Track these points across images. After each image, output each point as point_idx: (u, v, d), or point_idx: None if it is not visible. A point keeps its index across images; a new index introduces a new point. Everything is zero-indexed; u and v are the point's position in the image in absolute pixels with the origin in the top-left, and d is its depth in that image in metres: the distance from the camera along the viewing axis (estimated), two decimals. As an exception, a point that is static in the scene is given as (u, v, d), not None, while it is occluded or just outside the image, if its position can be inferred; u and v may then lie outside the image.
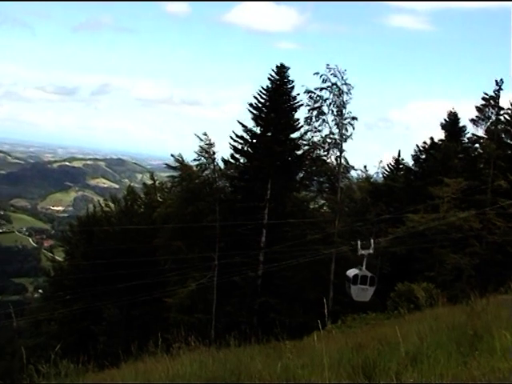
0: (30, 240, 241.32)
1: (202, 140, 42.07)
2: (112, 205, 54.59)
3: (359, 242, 30.52)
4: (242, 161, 45.20)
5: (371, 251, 30.22)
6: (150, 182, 56.99)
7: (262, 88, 43.87)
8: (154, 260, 41.03)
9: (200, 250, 40.43)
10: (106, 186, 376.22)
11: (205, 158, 42.45)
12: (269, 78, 43.86)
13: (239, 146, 44.34)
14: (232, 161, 44.82)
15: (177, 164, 44.49)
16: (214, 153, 42.51)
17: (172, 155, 44.89)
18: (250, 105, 43.76)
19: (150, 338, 13.59)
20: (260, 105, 43.75)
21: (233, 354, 10.65)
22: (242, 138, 44.02)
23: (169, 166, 45.92)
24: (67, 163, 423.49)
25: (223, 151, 45.72)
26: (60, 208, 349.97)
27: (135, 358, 13.75)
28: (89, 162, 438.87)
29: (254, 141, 44.36)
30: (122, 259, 39.49)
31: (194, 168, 43.48)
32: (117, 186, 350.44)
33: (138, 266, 38.80)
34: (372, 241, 31.02)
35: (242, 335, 12.72)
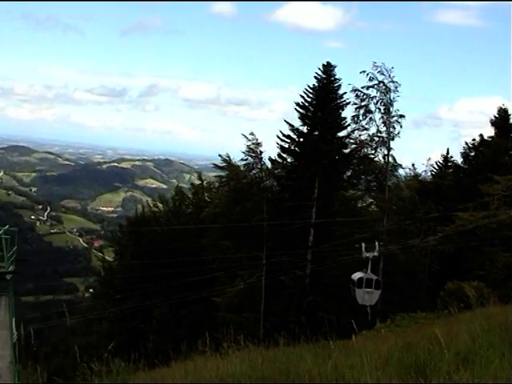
0: (81, 240, 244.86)
1: (249, 140, 42.21)
2: (160, 205, 55.03)
3: (363, 245, 30.24)
4: (289, 160, 45.14)
5: (376, 254, 29.89)
6: (197, 182, 57.25)
7: (309, 87, 43.76)
8: (202, 259, 41.22)
9: (248, 249, 40.49)
10: (154, 186, 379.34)
11: (252, 157, 42.55)
12: (315, 77, 43.73)
13: (286, 146, 44.29)
14: (279, 160, 44.79)
15: (224, 164, 44.66)
16: (261, 152, 42.61)
17: (219, 155, 45.10)
18: (297, 104, 43.69)
19: (199, 336, 13.67)
20: (307, 104, 43.63)
21: (282, 353, 10.64)
22: (289, 137, 43.96)
23: (216, 166, 46.12)
24: (116, 164, 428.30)
25: (270, 151, 45.83)
26: (109, 208, 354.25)
27: (185, 356, 13.83)
28: (137, 163, 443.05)
29: (301, 140, 44.25)
30: (171, 259, 39.79)
31: (242, 168, 43.59)
32: (165, 187, 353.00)
33: (187, 266, 39.04)
34: (377, 243, 30.69)
35: (291, 334, 12.72)
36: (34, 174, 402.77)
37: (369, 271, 29.78)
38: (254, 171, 43.27)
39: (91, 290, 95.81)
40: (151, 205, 55.53)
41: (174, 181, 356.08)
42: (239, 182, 43.08)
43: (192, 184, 61.28)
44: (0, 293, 21.23)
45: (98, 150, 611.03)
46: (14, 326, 21.66)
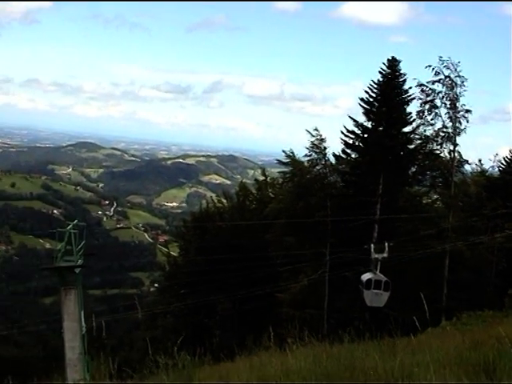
0: (146, 235, 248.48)
1: (313, 135, 42.11)
2: (224, 201, 55.34)
3: (372, 246, 29.67)
4: (353, 156, 44.88)
5: (385, 255, 29.26)
6: (261, 177, 57.38)
7: (374, 82, 43.39)
8: (265, 255, 41.32)
9: (311, 245, 40.44)
10: (218, 182, 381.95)
11: (316, 153, 42.44)
12: (380, 72, 43.32)
13: (350, 141, 44.04)
14: (343, 156, 44.58)
15: (288, 160, 44.64)
16: (325, 148, 42.46)
17: (283, 151, 45.10)
18: (362, 99, 43.38)
19: (263, 332, 13.74)
20: (371, 99, 43.28)
21: (346, 350, 10.60)
22: (353, 132, 43.70)
23: (280, 162, 46.14)
24: (181, 160, 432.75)
25: (334, 146, 45.65)
26: (174, 204, 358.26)
27: (249, 352, 13.92)
28: (201, 159, 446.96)
29: (366, 135, 43.94)
30: (235, 254, 40.03)
31: (305, 163, 43.52)
32: (229, 182, 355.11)
33: (250, 261, 39.20)
34: (386, 244, 30.07)
35: (355, 331, 12.67)
36: (101, 170, 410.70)
37: (378, 272, 29.24)
38: (317, 167, 43.16)
39: (156, 285, 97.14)
40: (215, 200, 55.89)
41: (238, 176, 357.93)
42: (303, 177, 43.02)
43: (256, 180, 61.47)
44: (69, 286, 21.72)
45: (162, 146, 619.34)
46: (82, 318, 22.15)
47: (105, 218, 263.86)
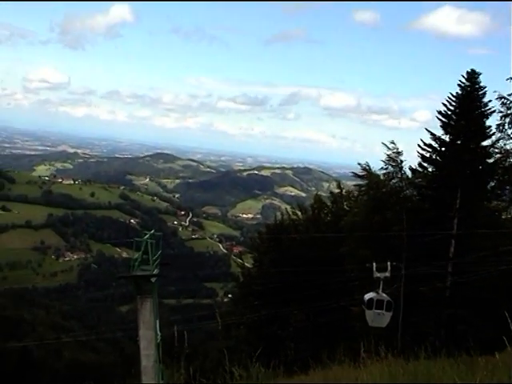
0: (221, 246, 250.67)
1: (389, 148, 41.62)
2: (299, 213, 55.23)
3: (374, 265, 28.78)
4: (430, 169, 44.18)
5: (387, 274, 28.33)
6: (336, 190, 57.05)
7: (452, 95, 42.66)
8: (340, 268, 41.08)
9: (386, 259, 39.99)
10: (293, 194, 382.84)
11: (392, 166, 41.95)
12: (459, 85, 42.54)
13: (427, 155, 43.34)
14: (420, 169, 43.90)
15: (363, 172, 44.31)
16: (401, 161, 41.91)
17: (359, 164, 44.77)
18: (439, 112, 42.67)
19: (337, 345, 13.67)
20: (449, 112, 42.53)
21: (423, 367, 10.43)
22: (430, 146, 43.01)
23: (355, 175, 45.80)
24: (256, 172, 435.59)
25: (411, 160, 45.00)
26: (249, 215, 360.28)
27: (323, 365, 13.84)
28: (277, 171, 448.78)
29: (443, 149, 43.17)
30: (309, 267, 39.91)
31: (381, 177, 43.11)
32: (303, 195, 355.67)
33: (325, 274, 39.02)
34: (388, 263, 29.15)
35: (431, 347, 12.45)
36: (177, 181, 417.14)
37: (380, 292, 28.47)
38: (393, 180, 42.64)
39: (230, 295, 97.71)
40: (290, 212, 55.84)
41: (313, 189, 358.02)
42: (379, 191, 42.59)
43: (331, 192, 61.12)
44: (145, 295, 22.06)
45: (238, 158, 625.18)
46: (158, 327, 22.45)
47: (180, 229, 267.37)
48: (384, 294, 28.28)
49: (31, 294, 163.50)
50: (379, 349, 11.88)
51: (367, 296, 29.11)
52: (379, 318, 28.65)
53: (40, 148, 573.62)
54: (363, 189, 45.41)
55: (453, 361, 11.59)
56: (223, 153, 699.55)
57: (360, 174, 44.90)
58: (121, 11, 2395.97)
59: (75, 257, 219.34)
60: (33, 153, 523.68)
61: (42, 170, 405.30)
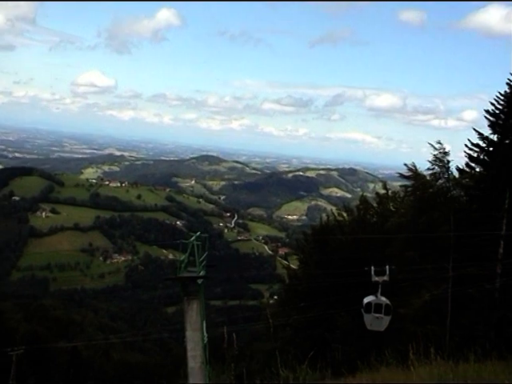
0: (266, 248, 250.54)
1: (435, 149, 41.12)
2: (345, 214, 54.95)
3: (373, 268, 28.19)
4: (477, 169, 43.58)
5: (386, 278, 27.72)
6: (382, 191, 56.61)
7: (500, 93, 42.01)
8: (386, 270, 40.72)
9: (433, 260, 39.53)
10: (338, 195, 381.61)
11: (439, 166, 41.44)
12: (507, 83, 41.88)
13: (475, 155, 42.72)
14: (467, 169, 43.32)
15: (409, 173, 43.89)
16: (448, 161, 41.38)
17: (405, 164, 44.35)
18: (487, 111, 42.01)
19: (383, 348, 13.55)
20: (497, 111, 41.84)
21: (473, 370, 10.29)
22: (477, 145, 42.38)
23: (401, 176, 45.33)
24: (301, 173, 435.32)
25: (458, 160, 44.44)
26: (294, 217, 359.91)
27: (370, 367, 13.74)
28: (322, 172, 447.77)
29: (491, 149, 42.54)
30: (355, 268, 39.68)
31: (428, 177, 42.65)
32: (349, 196, 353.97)
33: (371, 276, 38.74)
34: (387, 267, 28.52)
35: (481, 349, 12.27)
36: (222, 183, 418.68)
37: (379, 295, 27.96)
38: (440, 181, 42.11)
39: (276, 297, 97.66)
40: (335, 213, 55.58)
41: (358, 190, 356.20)
42: (425, 191, 42.12)
43: (376, 193, 60.62)
44: (192, 296, 22.20)
45: (283, 159, 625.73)
46: (204, 328, 22.56)
47: (226, 230, 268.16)
48: (383, 298, 28.05)
49: (80, 295, 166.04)
50: (426, 350, 11.76)
51: (366, 299, 28.97)
52: (378, 322, 28.42)
53: (88, 151, 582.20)
54: (409, 189, 44.96)
55: (504, 364, 11.40)
56: (268, 154, 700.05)
57: (406, 174, 44.46)
58: (167, 15, 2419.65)
59: (122, 258, 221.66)
60: (81, 156, 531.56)
61: (90, 173, 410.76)
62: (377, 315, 28.14)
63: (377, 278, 27.63)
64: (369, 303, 28.35)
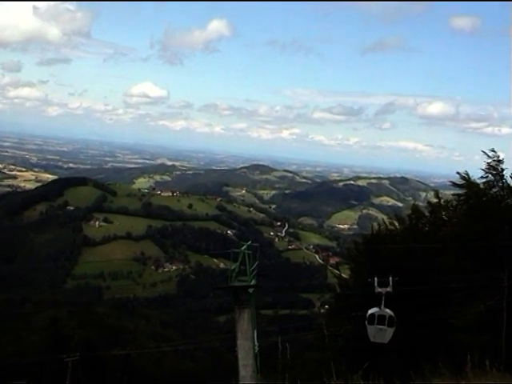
0: (317, 257, 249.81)
1: (489, 156, 40.50)
2: (396, 223, 54.46)
3: (376, 279, 27.45)
4: (532, 178, 42.78)
5: (389, 290, 26.96)
6: (434, 200, 55.97)
7: (555, 100, 41.27)
8: (439, 279, 40.25)
9: (488, 270, 38.91)
10: (389, 204, 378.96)
11: (492, 175, 40.81)
12: None
13: (530, 162, 42.05)
14: (522, 178, 42.63)
15: (462, 181, 43.31)
16: (502, 169, 40.74)
17: (457, 172, 43.78)
18: (542, 118, 41.35)
19: (435, 357, 13.40)
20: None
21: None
22: (532, 153, 41.71)
23: (454, 184, 44.76)
24: (352, 182, 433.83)
25: (513, 168, 43.69)
26: (345, 226, 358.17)
27: (423, 377, 13.60)
28: (373, 181, 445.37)
29: (547, 156, 41.82)
30: (407, 278, 39.26)
31: (481, 185, 42.02)
32: (400, 205, 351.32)
33: (422, 285, 38.33)
34: (390, 278, 27.72)
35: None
36: (273, 192, 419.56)
37: (382, 307, 27.32)
38: (494, 189, 41.45)
39: (327, 306, 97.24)
40: (387, 222, 55.16)
41: (410, 198, 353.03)
42: (479, 200, 41.50)
43: (428, 202, 59.94)
44: (243, 305, 22.26)
45: (334, 168, 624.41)
46: (255, 337, 22.59)
47: (276, 239, 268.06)
48: (387, 310, 27.70)
49: (132, 303, 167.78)
50: (483, 362, 11.58)
51: (369, 311, 28.66)
52: (381, 334, 28.04)
53: (140, 161, 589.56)
54: (462, 198, 44.36)
55: None
56: (319, 163, 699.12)
57: (459, 183, 43.86)
58: (218, 26, 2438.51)
59: (174, 267, 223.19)
60: (133, 166, 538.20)
61: (142, 183, 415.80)
62: (380, 327, 27.87)
63: (380, 290, 27.37)
64: (372, 315, 28.15)
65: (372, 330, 28.21)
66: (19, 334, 65.15)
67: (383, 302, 27.46)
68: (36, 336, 63.90)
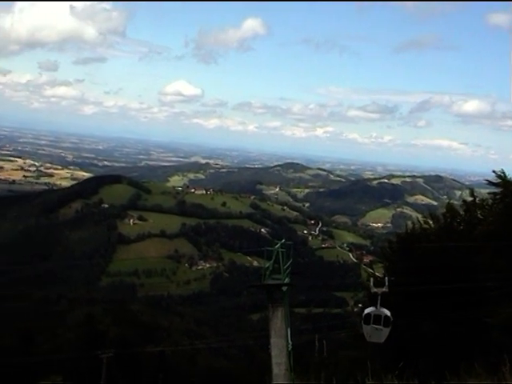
0: (351, 255, 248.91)
1: (525, 155, 40.15)
2: (430, 222, 54.06)
3: (372, 280, 26.97)
4: None
5: (385, 290, 26.48)
6: (469, 198, 55.43)
7: None
8: (474, 278, 39.92)
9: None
10: (424, 202, 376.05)
11: (529, 173, 40.42)
12: None
13: None
14: (559, 176, 42.07)
15: (498, 180, 42.86)
16: (539, 168, 40.35)
17: (493, 171, 43.33)
18: None
19: (470, 357, 13.34)
20: None
21: None
22: None
23: (490, 183, 44.30)
24: (386, 180, 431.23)
25: (550, 166, 43.16)
26: (379, 224, 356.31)
27: (459, 377, 13.53)
28: (407, 179, 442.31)
29: None
30: (441, 277, 39.01)
31: (517, 184, 41.55)
32: (435, 203, 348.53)
33: (457, 284, 38.05)
34: (386, 278, 27.23)
35: None
36: (306, 190, 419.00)
37: (378, 307, 26.90)
38: (530, 188, 41.04)
39: (360, 305, 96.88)
40: (421, 221, 54.78)
41: (445, 197, 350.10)
42: (515, 199, 41.10)
43: (464, 201, 59.41)
44: (277, 303, 22.30)
45: (368, 167, 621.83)
46: (289, 335, 22.62)
47: (310, 238, 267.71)
48: (383, 309, 27.46)
49: (166, 301, 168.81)
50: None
51: (365, 311, 28.51)
52: (377, 334, 27.75)
53: (174, 159, 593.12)
54: (498, 197, 43.90)
55: None
56: (353, 162, 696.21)
57: (494, 181, 43.40)
58: (253, 25, 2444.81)
59: (207, 265, 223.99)
60: (167, 164, 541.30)
61: (176, 181, 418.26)
62: (376, 326, 27.74)
63: (376, 290, 27.22)
64: (368, 314, 28.01)
65: (367, 330, 28.20)
66: (55, 332, 65.91)
67: (379, 302, 27.41)
68: (71, 333, 64.66)
